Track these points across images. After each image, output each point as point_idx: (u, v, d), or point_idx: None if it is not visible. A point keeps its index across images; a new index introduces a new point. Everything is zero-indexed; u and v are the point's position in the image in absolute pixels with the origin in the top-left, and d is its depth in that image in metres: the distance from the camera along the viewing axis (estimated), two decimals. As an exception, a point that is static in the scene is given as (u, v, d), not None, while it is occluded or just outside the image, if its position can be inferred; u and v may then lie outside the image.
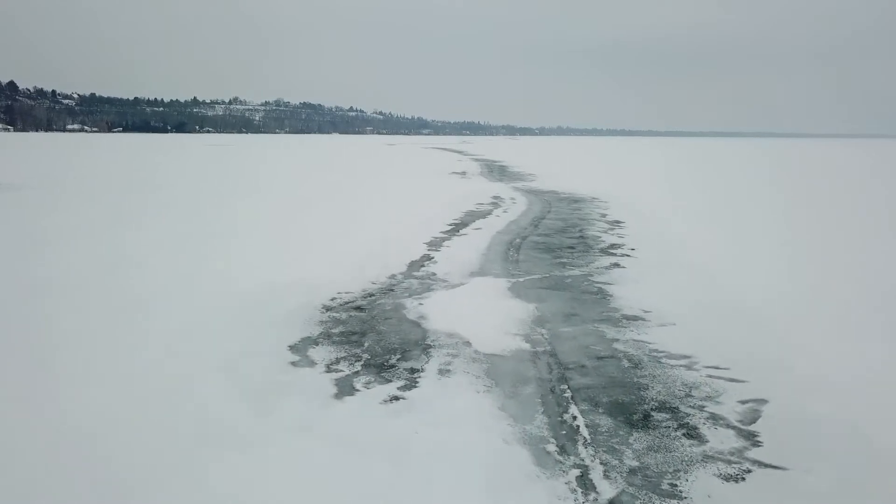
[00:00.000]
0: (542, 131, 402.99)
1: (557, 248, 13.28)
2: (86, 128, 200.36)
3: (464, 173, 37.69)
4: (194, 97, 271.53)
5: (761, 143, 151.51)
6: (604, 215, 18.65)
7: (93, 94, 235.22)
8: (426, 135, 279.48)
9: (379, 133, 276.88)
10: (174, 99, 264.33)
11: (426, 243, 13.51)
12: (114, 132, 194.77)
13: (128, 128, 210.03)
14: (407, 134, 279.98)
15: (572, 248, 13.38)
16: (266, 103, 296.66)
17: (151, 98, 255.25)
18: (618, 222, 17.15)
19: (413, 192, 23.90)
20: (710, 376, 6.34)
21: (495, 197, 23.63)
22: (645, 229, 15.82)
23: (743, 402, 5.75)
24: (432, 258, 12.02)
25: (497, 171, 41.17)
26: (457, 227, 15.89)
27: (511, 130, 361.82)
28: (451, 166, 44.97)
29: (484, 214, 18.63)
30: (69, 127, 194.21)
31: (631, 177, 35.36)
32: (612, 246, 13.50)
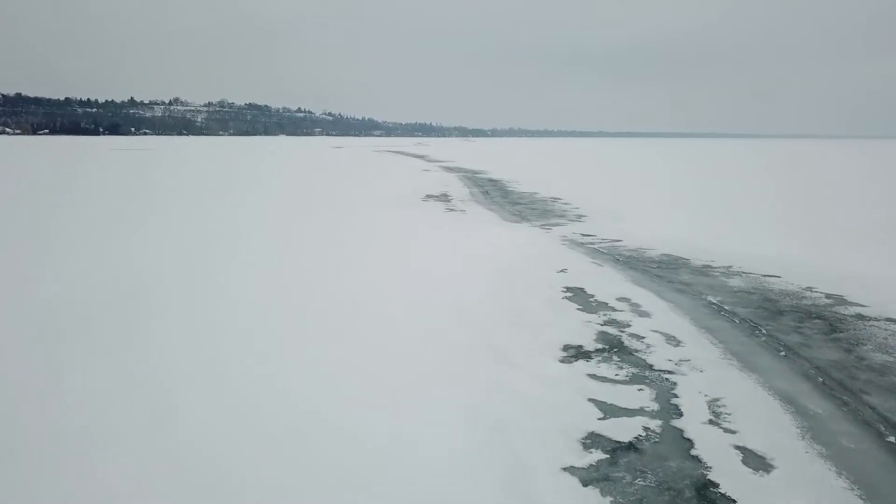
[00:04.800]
0: (495, 133, 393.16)
1: None
2: (7, 130, 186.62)
3: (447, 198, 23.45)
4: (131, 97, 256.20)
5: (740, 144, 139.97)
6: None
7: (18, 94, 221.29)
8: (377, 136, 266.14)
9: (328, 135, 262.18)
10: (109, 99, 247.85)
11: None
12: (39, 134, 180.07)
13: (56, 130, 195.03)
14: (357, 135, 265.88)
15: None
16: (209, 104, 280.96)
17: (84, 98, 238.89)
18: None
19: (366, 290, 9.30)
20: None
21: (586, 297, 9.42)
22: None
23: None
24: None
25: (495, 192, 26.74)
26: None
27: (463, 132, 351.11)
28: (421, 183, 30.46)
29: None
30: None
31: (726, 208, 21.41)
32: None
